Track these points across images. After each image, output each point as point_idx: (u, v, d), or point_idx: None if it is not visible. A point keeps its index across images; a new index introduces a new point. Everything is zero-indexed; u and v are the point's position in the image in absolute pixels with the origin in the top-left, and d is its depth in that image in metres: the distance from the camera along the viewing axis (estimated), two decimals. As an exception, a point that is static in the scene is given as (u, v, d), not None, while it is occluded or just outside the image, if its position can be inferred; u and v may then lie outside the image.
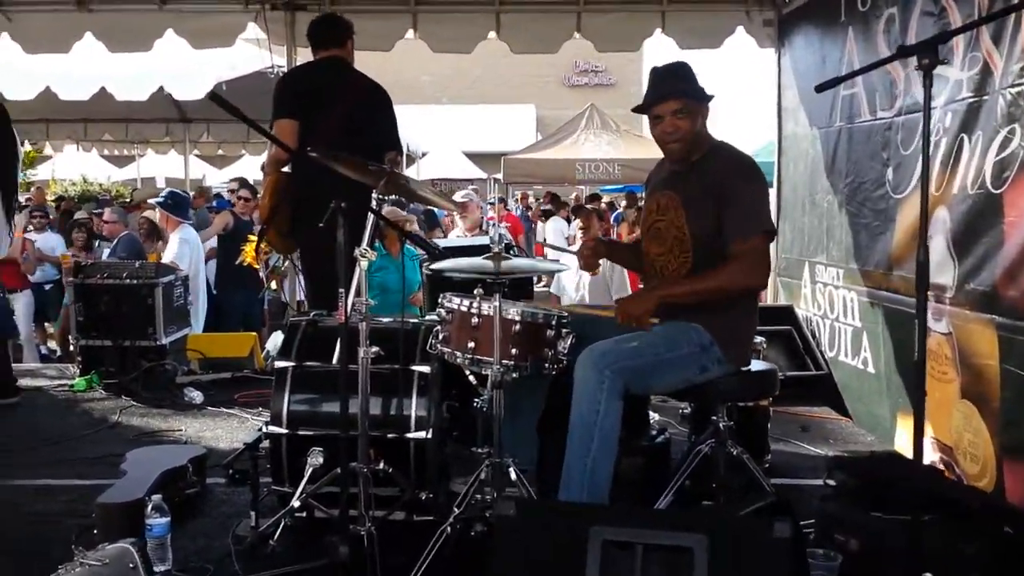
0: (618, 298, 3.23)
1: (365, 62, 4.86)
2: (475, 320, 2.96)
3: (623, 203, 15.73)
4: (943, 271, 3.76)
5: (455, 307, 3.05)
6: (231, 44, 6.51)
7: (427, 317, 3.38)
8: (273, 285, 7.95)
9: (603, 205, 14.52)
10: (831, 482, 2.93)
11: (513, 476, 2.92)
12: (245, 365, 6.21)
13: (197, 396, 5.39)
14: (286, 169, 4.39)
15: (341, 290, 2.79)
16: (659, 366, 2.94)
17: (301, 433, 3.26)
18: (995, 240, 3.41)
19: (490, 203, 11.64)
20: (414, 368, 3.25)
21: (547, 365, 2.99)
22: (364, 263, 2.95)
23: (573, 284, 6.16)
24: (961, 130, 3.67)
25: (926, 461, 3.76)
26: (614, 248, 3.67)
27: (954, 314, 3.70)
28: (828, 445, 4.50)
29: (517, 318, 2.93)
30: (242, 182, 9.42)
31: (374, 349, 2.98)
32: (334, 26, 4.59)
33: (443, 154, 19.96)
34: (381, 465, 3.03)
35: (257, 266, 7.89)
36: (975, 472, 3.54)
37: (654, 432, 3.71)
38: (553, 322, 2.99)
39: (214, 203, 10.62)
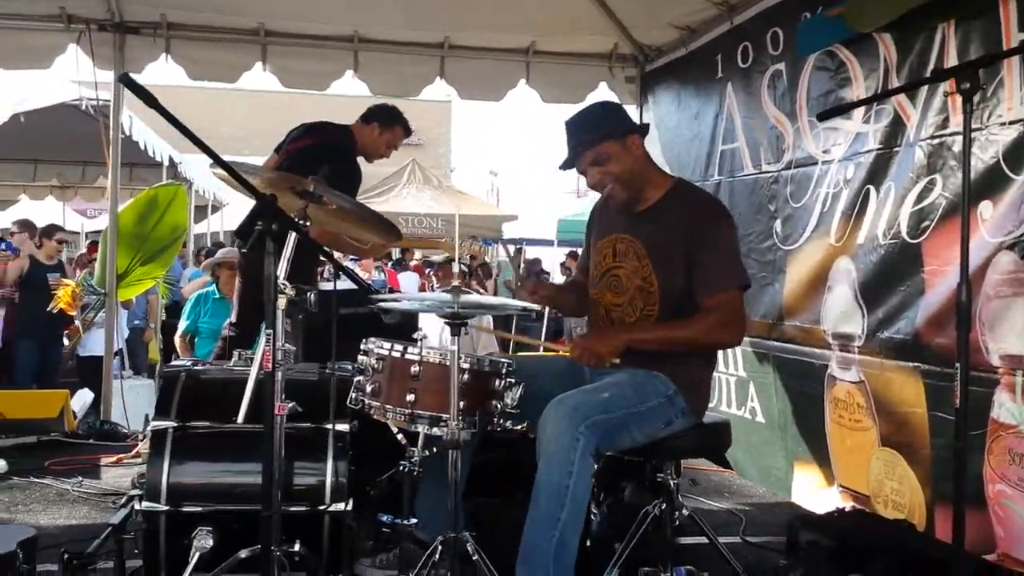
0: (580, 335, 2.94)
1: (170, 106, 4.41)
2: (415, 369, 2.57)
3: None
4: (850, 320, 3.78)
5: (386, 353, 2.64)
6: (48, 66, 5.72)
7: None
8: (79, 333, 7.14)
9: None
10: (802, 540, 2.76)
11: (473, 554, 2.50)
12: (52, 428, 5.38)
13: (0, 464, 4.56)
14: None
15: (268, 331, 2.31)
16: (629, 420, 2.66)
17: (185, 510, 2.70)
18: (915, 289, 3.44)
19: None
20: (328, 427, 2.79)
21: (495, 420, 2.63)
22: (282, 300, 2.48)
23: (436, 333, 5.80)
24: (868, 181, 3.72)
25: (833, 508, 3.72)
26: (551, 292, 3.37)
27: (865, 362, 3.71)
28: (725, 499, 4.40)
29: (465, 366, 2.57)
30: (26, 224, 8.49)
31: (291, 404, 2.51)
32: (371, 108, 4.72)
33: (245, 206, 18.99)
34: (297, 547, 2.54)
35: (72, 312, 7.03)
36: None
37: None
38: (502, 371, 2.65)
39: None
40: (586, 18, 5.57)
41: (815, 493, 4.11)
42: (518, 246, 14.26)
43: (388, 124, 4.65)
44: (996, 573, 2.73)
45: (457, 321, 2.50)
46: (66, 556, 2.93)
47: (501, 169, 35.22)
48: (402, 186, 13.57)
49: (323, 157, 4.16)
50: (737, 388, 4.83)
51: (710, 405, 4.92)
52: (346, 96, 8.98)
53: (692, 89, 5.44)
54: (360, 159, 4.64)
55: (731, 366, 4.86)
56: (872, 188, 3.70)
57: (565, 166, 3.00)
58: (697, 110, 5.32)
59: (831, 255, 3.97)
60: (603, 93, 6.17)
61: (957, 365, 2.00)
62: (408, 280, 13.19)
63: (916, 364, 3.41)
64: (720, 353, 4.91)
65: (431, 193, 13.43)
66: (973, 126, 3.10)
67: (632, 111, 6.27)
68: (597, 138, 2.88)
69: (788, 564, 2.76)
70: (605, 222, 3.12)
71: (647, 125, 3.09)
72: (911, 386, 3.44)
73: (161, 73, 6.09)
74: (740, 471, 4.82)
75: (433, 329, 5.70)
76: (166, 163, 9.61)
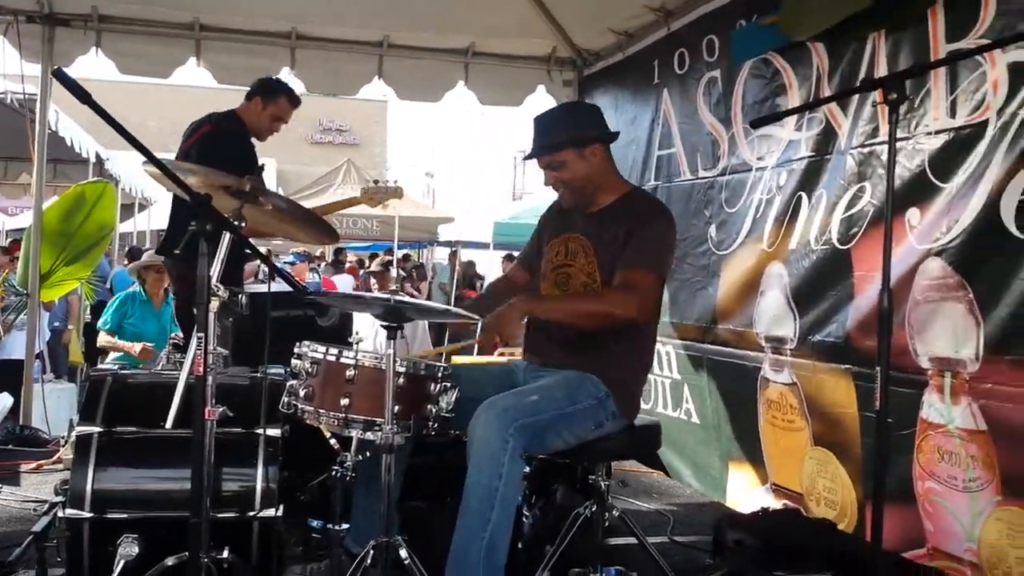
0: (502, 355, 2.94)
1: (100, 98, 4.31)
2: (350, 373, 2.53)
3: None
4: (782, 324, 3.84)
5: (321, 357, 2.60)
6: (-30, 59, 5.52)
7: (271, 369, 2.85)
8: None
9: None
10: (730, 540, 2.79)
11: (405, 558, 2.47)
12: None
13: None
14: None
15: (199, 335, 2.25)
16: (558, 422, 2.67)
17: (110, 517, 2.62)
18: (845, 293, 3.51)
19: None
20: (259, 432, 2.74)
21: (429, 424, 2.61)
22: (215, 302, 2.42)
23: (370, 334, 5.75)
24: (799, 188, 3.80)
25: (766, 506, 3.80)
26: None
27: (797, 365, 3.78)
28: (654, 499, 4.46)
29: (401, 370, 2.54)
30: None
31: (221, 409, 2.46)
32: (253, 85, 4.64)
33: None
34: (225, 554, 2.48)
35: (-9, 314, 6.76)
36: (832, 517, 3.57)
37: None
38: (438, 375, 2.63)
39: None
40: (526, 21, 5.57)
41: (749, 492, 4.18)
42: (453, 248, 14.25)
43: (271, 96, 4.53)
44: (915, 569, 2.81)
45: (393, 325, 2.46)
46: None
47: (437, 170, 35.06)
48: (337, 186, 13.41)
49: (217, 144, 4.20)
50: (672, 390, 4.88)
51: (646, 407, 5.03)
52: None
53: (629, 94, 5.48)
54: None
55: (666, 368, 4.92)
56: (804, 195, 3.77)
57: (529, 157, 3.09)
58: (634, 115, 5.36)
59: (763, 260, 4.03)
60: (541, 96, 6.20)
61: (878, 368, 2.04)
62: (343, 282, 13.05)
63: (847, 366, 3.49)
64: (657, 356, 5.00)
65: (367, 193, 13.30)
66: (901, 135, 3.21)
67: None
68: (556, 145, 2.97)
69: (714, 563, 2.80)
70: (560, 223, 3.18)
71: (617, 133, 3.11)
72: (842, 387, 3.51)
73: (87, 67, 5.91)
74: (675, 472, 4.88)
75: (368, 332, 5.65)
76: (93, 159, 9.34)
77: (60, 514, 2.63)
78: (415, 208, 13.63)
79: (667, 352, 4.88)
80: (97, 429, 2.71)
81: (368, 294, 2.59)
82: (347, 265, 15.20)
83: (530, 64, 6.14)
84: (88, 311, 8.36)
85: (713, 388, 4.47)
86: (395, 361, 2.46)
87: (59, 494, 2.79)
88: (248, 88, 4.63)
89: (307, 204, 11.82)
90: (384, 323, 2.47)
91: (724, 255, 4.38)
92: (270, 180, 25.55)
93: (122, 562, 2.54)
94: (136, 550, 2.56)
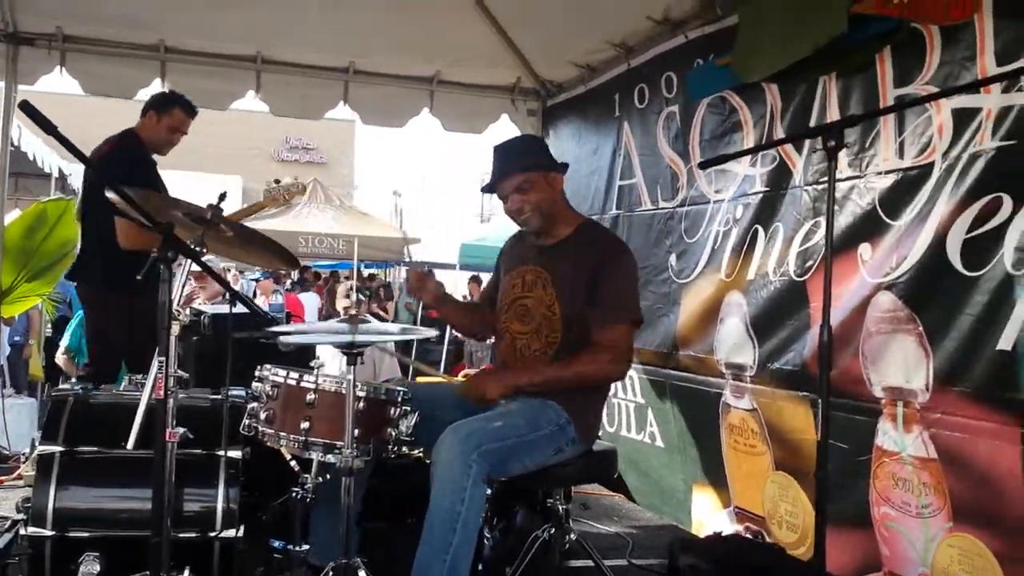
0: (466, 376, 3.03)
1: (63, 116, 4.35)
2: (311, 396, 2.60)
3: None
4: (741, 351, 3.95)
5: (281, 381, 2.67)
6: (-65, 77, 5.51)
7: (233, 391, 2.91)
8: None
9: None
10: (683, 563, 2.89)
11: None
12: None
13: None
14: None
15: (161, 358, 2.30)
16: (520, 448, 2.77)
17: (71, 535, 2.66)
18: (802, 323, 3.63)
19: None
20: (222, 453, 2.79)
21: (389, 447, 2.68)
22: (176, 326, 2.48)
23: (332, 358, 5.78)
24: (755, 221, 3.93)
25: (728, 531, 3.90)
26: (447, 299, 3.47)
27: (757, 391, 3.89)
28: (614, 522, 4.54)
29: (361, 394, 2.61)
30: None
31: (181, 431, 2.51)
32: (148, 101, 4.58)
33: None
34: (186, 573, 2.53)
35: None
36: (793, 540, 3.67)
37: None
38: (398, 399, 2.70)
39: None
40: (491, 51, 5.69)
41: (713, 514, 4.27)
42: (428, 269, 14.21)
43: (164, 109, 4.47)
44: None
45: (354, 351, 2.54)
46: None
47: (405, 190, 35.10)
48: (303, 205, 13.43)
49: (116, 164, 4.18)
50: (636, 413, 4.98)
51: (610, 430, 5.12)
52: (255, 112, 8.89)
53: (592, 125, 5.60)
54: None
55: (629, 392, 5.02)
56: (760, 227, 3.90)
57: (487, 189, 3.15)
58: (596, 145, 5.49)
59: (722, 289, 4.16)
60: (504, 125, 6.30)
61: (819, 401, 2.14)
62: (309, 301, 13.04)
63: (805, 393, 3.60)
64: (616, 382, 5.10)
65: (333, 213, 13.35)
66: (853, 174, 3.38)
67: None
68: (529, 164, 3.06)
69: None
70: (516, 255, 3.27)
71: (567, 164, 3.23)
72: (801, 414, 3.63)
73: (55, 84, 5.93)
74: (639, 494, 4.97)
75: (330, 354, 5.67)
76: (55, 174, 9.31)
77: (22, 532, 2.66)
78: (382, 228, 13.69)
79: (630, 377, 4.98)
80: (59, 448, 2.76)
81: (326, 327, 2.65)
82: (317, 284, 15.18)
83: (494, 93, 6.24)
84: (49, 326, 8.31)
85: (677, 412, 4.57)
86: (355, 386, 2.53)
87: (20, 512, 2.81)
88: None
89: (273, 224, 11.82)
90: (344, 351, 2.54)
91: (684, 283, 4.50)
92: (234, 198, 25.48)
93: (83, 581, 2.57)
94: (98, 568, 2.61)
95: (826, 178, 3.53)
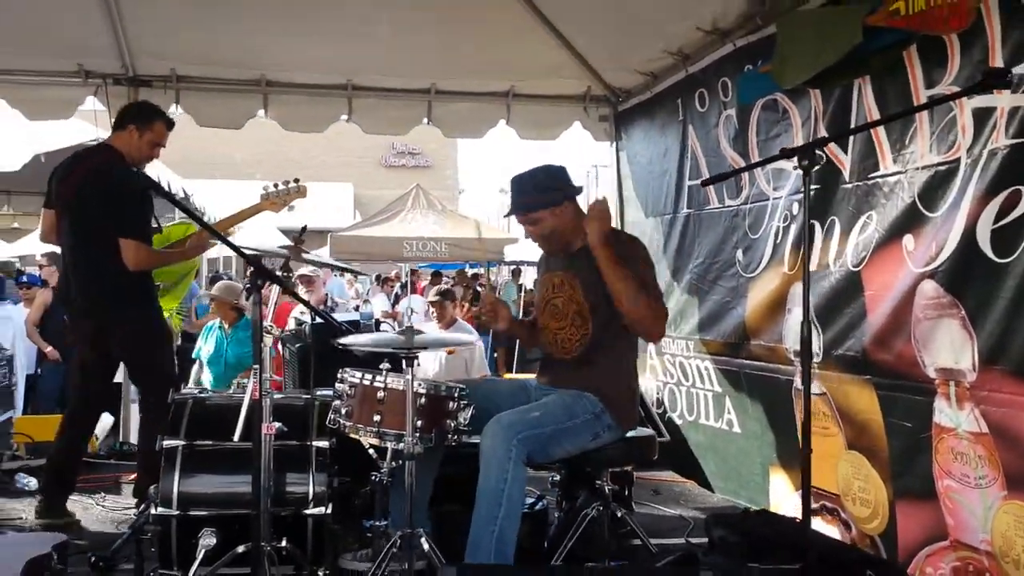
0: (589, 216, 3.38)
1: (181, 136, 4.77)
2: (381, 394, 3.05)
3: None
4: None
5: (357, 381, 3.13)
6: (69, 116, 6.26)
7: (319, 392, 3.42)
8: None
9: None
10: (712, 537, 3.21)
11: (425, 547, 2.98)
12: (77, 449, 5.86)
13: (31, 482, 5.05)
14: None
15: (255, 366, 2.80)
16: (558, 435, 3.16)
17: (192, 514, 3.20)
18: (859, 311, 3.86)
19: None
20: (311, 444, 3.29)
21: (450, 436, 3.12)
22: (269, 339, 2.98)
23: (432, 361, 6.28)
24: (811, 216, 4.14)
25: (748, 507, 4.13)
26: (514, 324, 3.86)
27: (825, 376, 4.10)
28: (680, 506, 4.85)
29: (423, 391, 3.05)
30: (53, 256, 8.99)
31: (277, 425, 3.01)
32: (122, 113, 4.53)
33: (255, 229, 19.51)
34: (284, 543, 3.03)
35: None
36: (866, 515, 3.89)
37: (532, 499, 3.89)
38: (456, 394, 3.14)
39: (23, 278, 9.97)
40: (561, 64, 6.03)
41: (789, 495, 4.51)
42: (514, 268, 14.65)
43: (146, 123, 4.34)
44: (873, 562, 3.14)
45: (411, 355, 2.98)
46: (93, 558, 3.47)
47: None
48: (407, 211, 14.04)
49: (97, 182, 4.15)
50: (715, 402, 5.24)
51: (690, 418, 5.42)
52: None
53: (659, 128, 5.89)
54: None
55: (706, 382, 5.30)
56: (816, 223, 4.11)
57: (509, 215, 3.60)
58: (665, 148, 5.78)
59: (787, 281, 4.41)
60: (576, 131, 6.64)
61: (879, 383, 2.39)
62: (416, 303, 13.74)
63: (867, 377, 3.82)
64: (691, 371, 5.40)
65: (435, 217, 13.91)
66: (895, 169, 3.65)
67: (606, 148, 6.78)
68: (532, 205, 3.48)
69: (705, 555, 3.22)
70: (546, 264, 3.70)
71: (581, 187, 3.60)
72: (866, 396, 3.84)
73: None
74: (718, 479, 5.23)
75: (426, 356, 6.17)
76: (180, 195, 10.13)
77: (153, 512, 3.21)
78: (482, 230, 14.16)
79: (705, 367, 5.28)
80: (181, 442, 3.29)
81: (388, 339, 3.11)
82: (420, 285, 15.78)
83: (567, 103, 6.59)
84: (178, 338, 9.10)
85: (752, 399, 4.82)
86: (415, 384, 2.97)
87: (151, 497, 3.36)
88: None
89: (378, 231, 12.37)
90: (404, 352, 2.98)
91: (751, 277, 4.76)
92: (347, 206, 26.55)
93: (203, 551, 3.10)
94: (214, 541, 3.12)
95: (874, 173, 3.79)
